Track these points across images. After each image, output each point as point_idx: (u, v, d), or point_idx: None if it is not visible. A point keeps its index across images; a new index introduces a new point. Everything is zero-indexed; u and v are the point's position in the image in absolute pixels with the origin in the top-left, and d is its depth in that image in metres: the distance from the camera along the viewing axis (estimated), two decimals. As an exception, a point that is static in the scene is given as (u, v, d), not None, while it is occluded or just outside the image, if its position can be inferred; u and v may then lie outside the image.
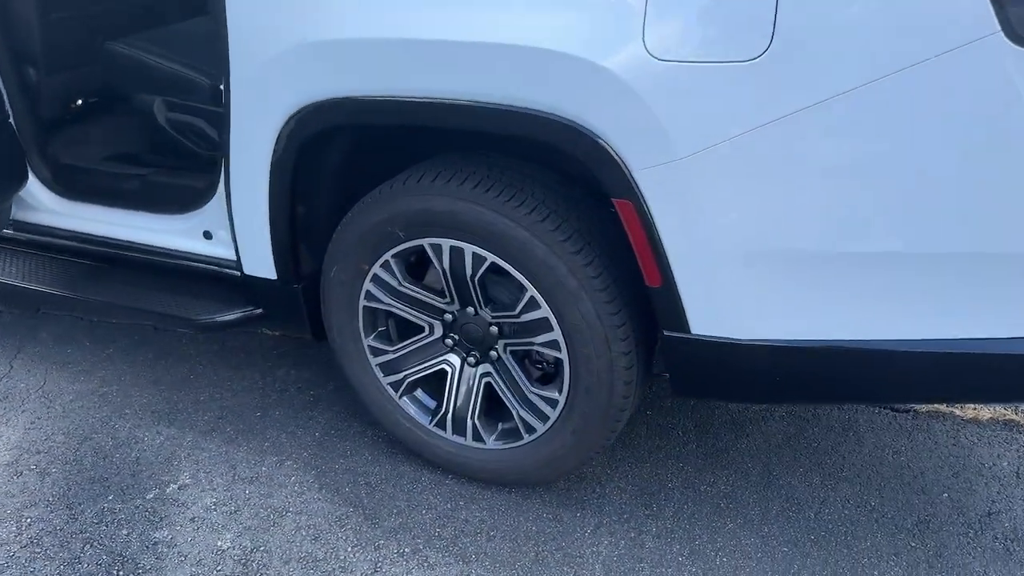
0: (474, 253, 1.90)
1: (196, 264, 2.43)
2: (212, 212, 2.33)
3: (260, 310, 2.37)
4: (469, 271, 1.94)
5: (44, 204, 2.65)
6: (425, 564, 1.99)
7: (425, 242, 1.95)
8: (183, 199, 2.42)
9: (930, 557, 1.98)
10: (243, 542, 2.07)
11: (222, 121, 2.12)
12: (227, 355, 2.86)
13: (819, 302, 1.64)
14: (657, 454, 2.34)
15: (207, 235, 2.38)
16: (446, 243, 1.92)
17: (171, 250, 2.47)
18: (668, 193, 1.62)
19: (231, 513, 2.17)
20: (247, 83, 1.94)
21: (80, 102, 3.03)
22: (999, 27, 1.34)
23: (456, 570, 1.97)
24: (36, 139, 2.66)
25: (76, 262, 2.68)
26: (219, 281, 2.43)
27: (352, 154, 2.12)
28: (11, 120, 2.48)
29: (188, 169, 2.51)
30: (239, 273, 2.30)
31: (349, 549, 2.04)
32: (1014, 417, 2.46)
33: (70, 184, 2.65)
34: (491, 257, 1.88)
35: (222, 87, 2.07)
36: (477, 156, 1.97)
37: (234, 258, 2.31)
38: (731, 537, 2.06)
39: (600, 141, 1.62)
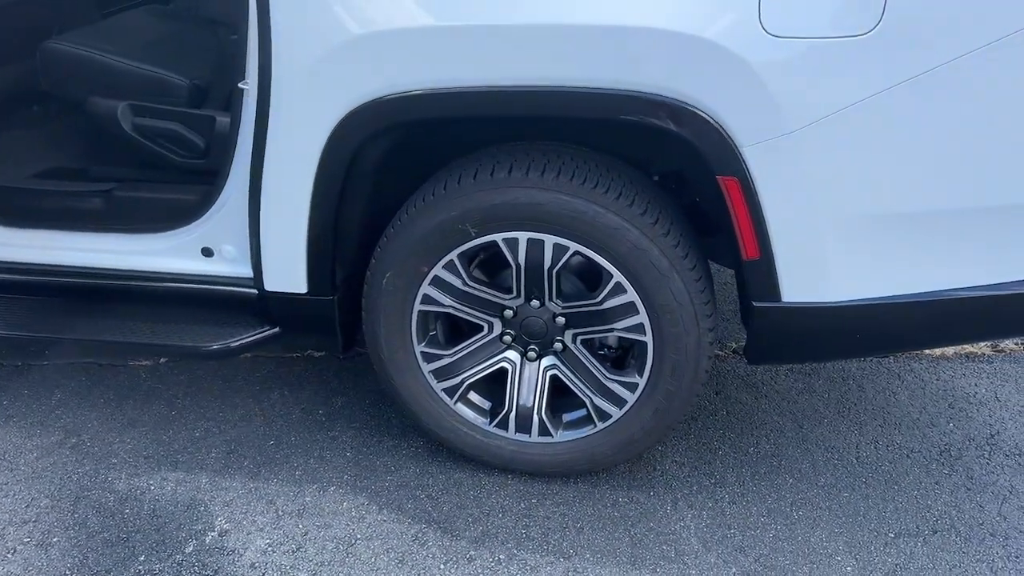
0: (555, 244, 1.86)
1: (189, 286, 2.18)
2: (214, 226, 2.11)
3: (277, 329, 2.17)
4: (548, 263, 1.89)
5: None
6: (527, 567, 1.93)
7: (498, 237, 1.88)
8: (167, 214, 2.17)
9: (965, 481, 2.20)
10: (322, 580, 1.91)
11: (239, 126, 1.94)
12: (202, 385, 2.60)
13: (907, 259, 1.76)
14: (695, 426, 2.40)
15: (206, 252, 2.15)
16: (523, 236, 1.86)
17: (154, 273, 2.20)
18: (775, 166, 1.66)
19: (294, 552, 1.98)
20: (295, 82, 1.76)
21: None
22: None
23: (561, 568, 1.93)
24: None
25: (24, 299, 2.31)
26: (216, 301, 2.20)
27: (388, 153, 1.99)
28: None
29: (169, 181, 2.24)
30: (256, 291, 2.10)
31: (441, 566, 1.94)
32: (972, 350, 2.76)
33: (4, 209, 2.28)
34: (573, 246, 1.85)
35: (242, 85, 1.88)
36: (527, 146, 1.91)
37: (247, 275, 2.11)
38: (795, 491, 2.16)
39: (710, 119, 1.63)
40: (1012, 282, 1.78)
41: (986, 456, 2.29)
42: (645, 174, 1.98)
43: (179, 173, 2.25)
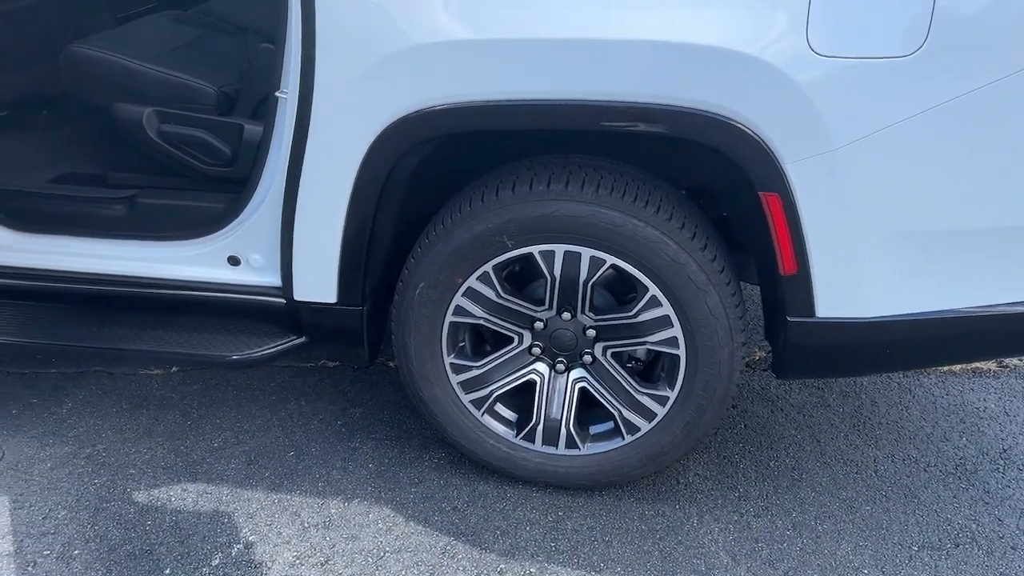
0: (592, 257, 1.87)
1: (214, 294, 2.16)
2: (242, 235, 2.09)
3: (303, 339, 2.16)
4: (584, 275, 1.90)
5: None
6: (559, 581, 1.93)
7: (535, 249, 1.88)
8: (192, 222, 2.15)
9: (982, 495, 2.23)
10: (353, 593, 1.89)
11: (273, 135, 1.92)
12: (216, 395, 2.57)
13: (941, 277, 1.79)
14: (715, 439, 2.41)
15: (233, 261, 2.13)
16: (560, 248, 1.87)
17: (177, 281, 2.17)
18: (817, 183, 1.69)
19: (322, 564, 1.96)
20: (339, 93, 1.76)
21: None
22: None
23: (593, 581, 1.94)
24: None
25: (39, 306, 2.27)
26: (241, 310, 2.18)
27: (421, 164, 1.98)
28: None
29: (192, 188, 2.22)
30: (283, 300, 2.08)
31: (473, 580, 1.93)
32: (978, 366, 2.81)
33: (21, 213, 2.24)
34: (610, 259, 1.86)
35: (280, 94, 1.87)
36: (563, 159, 1.93)
37: (275, 284, 2.09)
38: (818, 505, 2.18)
39: (754, 135, 1.65)
40: (1039, 299, 1.82)
41: (1000, 470, 2.32)
42: (675, 188, 2.00)
43: (202, 181, 2.23)
